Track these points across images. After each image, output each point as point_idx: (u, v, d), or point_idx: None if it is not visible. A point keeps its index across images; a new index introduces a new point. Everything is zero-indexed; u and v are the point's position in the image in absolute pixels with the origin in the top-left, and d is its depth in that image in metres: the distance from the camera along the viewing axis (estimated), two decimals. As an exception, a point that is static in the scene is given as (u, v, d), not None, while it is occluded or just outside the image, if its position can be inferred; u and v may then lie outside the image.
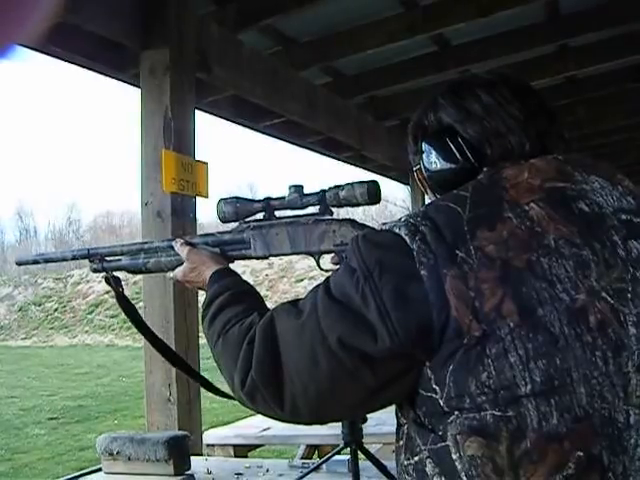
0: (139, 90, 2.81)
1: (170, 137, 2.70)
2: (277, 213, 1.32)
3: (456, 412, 0.80)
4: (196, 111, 2.94)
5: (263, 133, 4.77)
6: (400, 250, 0.83)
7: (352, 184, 1.23)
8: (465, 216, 0.84)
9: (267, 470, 2.27)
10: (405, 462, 0.89)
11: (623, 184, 0.91)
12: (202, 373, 1.78)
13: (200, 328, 2.04)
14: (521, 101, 0.97)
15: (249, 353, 0.94)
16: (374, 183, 1.24)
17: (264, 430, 3.39)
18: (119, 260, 1.47)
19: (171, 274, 1.38)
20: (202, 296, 1.27)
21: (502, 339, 0.77)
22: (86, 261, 1.51)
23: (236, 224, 1.35)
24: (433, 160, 0.99)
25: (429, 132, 1.01)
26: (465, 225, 0.83)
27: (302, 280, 18.94)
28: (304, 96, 4.05)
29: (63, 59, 2.87)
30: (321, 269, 1.26)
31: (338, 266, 0.96)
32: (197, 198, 2.83)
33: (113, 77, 3.18)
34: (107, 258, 1.48)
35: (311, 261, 1.30)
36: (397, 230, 0.86)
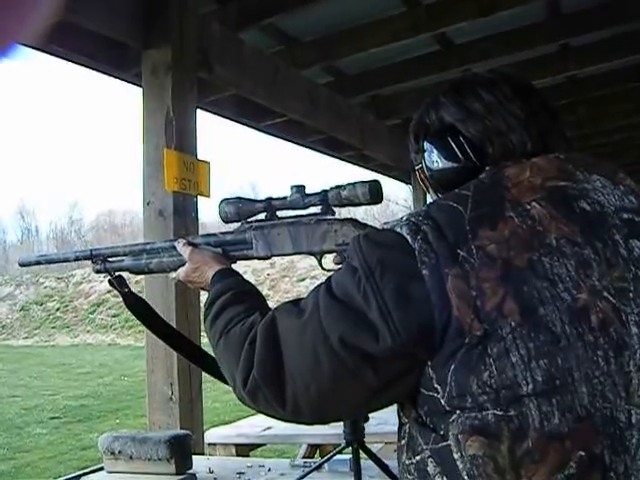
0: (141, 89, 2.81)
1: (172, 136, 2.70)
2: (279, 213, 1.32)
3: (457, 411, 0.80)
4: (198, 110, 2.94)
5: (265, 132, 4.77)
6: (402, 249, 0.83)
7: (354, 184, 1.23)
8: (467, 215, 0.84)
9: (269, 469, 2.27)
10: (407, 461, 0.89)
11: (625, 183, 0.91)
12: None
13: (202, 328, 2.04)
14: (522, 100, 0.97)
15: (251, 353, 0.94)
16: (376, 182, 1.24)
17: (266, 429, 3.39)
18: (122, 261, 1.47)
19: (173, 274, 1.38)
20: (204, 296, 1.27)
21: (503, 338, 0.77)
22: (88, 261, 1.51)
23: (238, 224, 1.35)
24: (435, 159, 0.99)
25: (431, 131, 1.01)
26: (467, 224, 0.83)
27: (304, 280, 18.93)
28: (306, 95, 4.05)
29: (65, 58, 2.88)
30: (323, 269, 1.26)
31: (340, 266, 0.96)
32: (199, 197, 2.83)
33: (115, 76, 3.17)
34: (110, 259, 1.48)
35: (313, 261, 1.30)
36: (399, 229, 0.86)
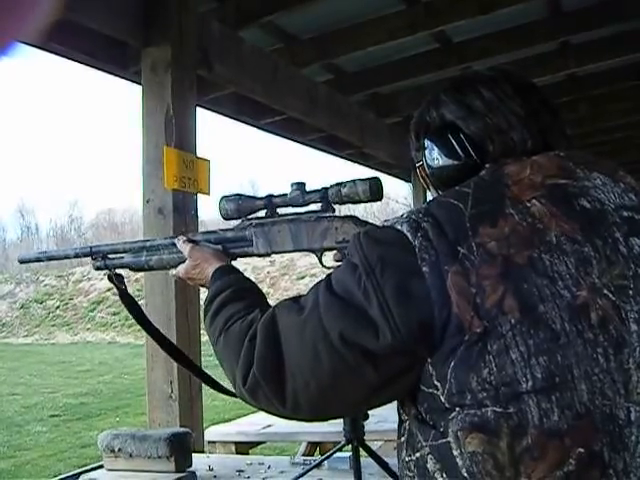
0: (140, 87, 2.81)
1: (171, 134, 2.70)
2: (279, 210, 1.32)
3: (457, 408, 0.80)
4: (197, 108, 2.94)
5: (264, 130, 4.77)
6: (402, 246, 0.84)
7: (354, 181, 1.23)
8: (467, 212, 0.84)
9: (268, 467, 2.27)
10: (406, 458, 0.89)
11: (625, 181, 0.91)
12: (203, 370, 1.78)
13: (202, 325, 2.04)
14: (523, 97, 0.97)
15: (251, 350, 0.94)
16: (376, 180, 1.24)
17: (265, 427, 3.39)
18: (122, 258, 1.47)
19: (173, 271, 1.38)
20: (204, 293, 1.28)
21: (503, 335, 0.78)
22: (88, 258, 1.51)
23: (238, 221, 1.35)
24: (435, 157, 0.99)
25: (431, 129, 1.01)
26: (467, 221, 0.83)
27: (304, 277, 18.93)
28: (305, 93, 4.05)
29: (64, 56, 2.88)
30: (323, 266, 1.26)
31: (340, 263, 0.96)
32: (199, 195, 2.83)
33: (114, 74, 3.17)
34: (110, 256, 1.48)
35: (313, 258, 1.30)
36: (399, 226, 0.86)
